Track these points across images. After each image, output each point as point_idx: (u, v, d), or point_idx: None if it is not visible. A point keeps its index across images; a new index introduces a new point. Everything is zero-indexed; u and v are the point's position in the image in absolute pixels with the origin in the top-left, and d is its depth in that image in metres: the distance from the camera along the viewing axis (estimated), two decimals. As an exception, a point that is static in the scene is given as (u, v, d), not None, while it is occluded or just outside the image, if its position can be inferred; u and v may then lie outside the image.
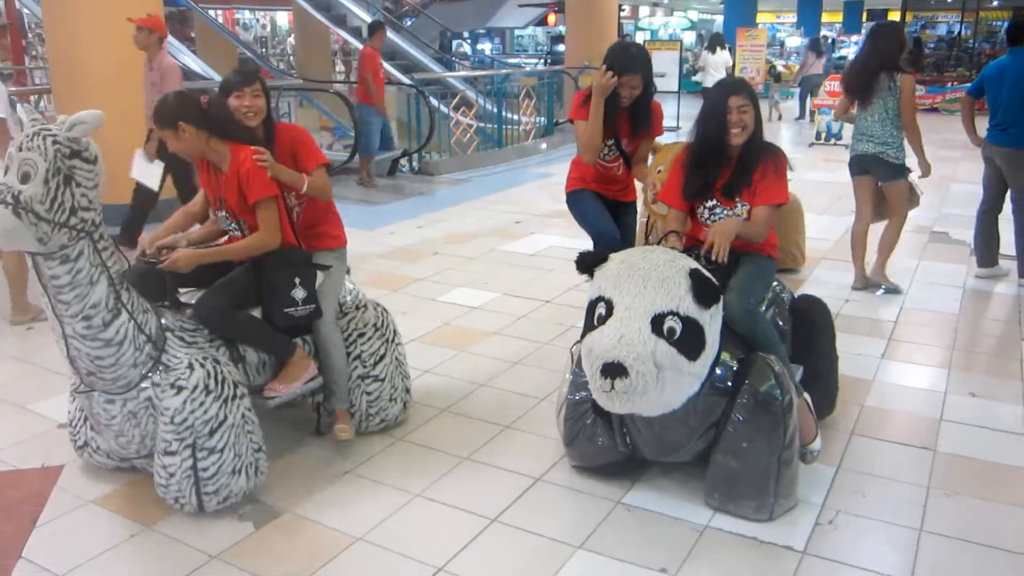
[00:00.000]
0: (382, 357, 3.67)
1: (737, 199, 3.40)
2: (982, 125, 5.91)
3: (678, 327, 2.72)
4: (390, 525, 3.08)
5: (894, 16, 28.42)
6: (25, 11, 21.77)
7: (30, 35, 24.41)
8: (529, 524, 3.08)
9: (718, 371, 2.99)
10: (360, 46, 14.99)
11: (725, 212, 3.43)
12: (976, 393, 4.17)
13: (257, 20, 32.21)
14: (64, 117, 2.76)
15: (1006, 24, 19.26)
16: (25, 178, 2.66)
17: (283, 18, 31.37)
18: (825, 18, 35.11)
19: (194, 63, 14.41)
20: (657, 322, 2.71)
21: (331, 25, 16.97)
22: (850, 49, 29.06)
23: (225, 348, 3.22)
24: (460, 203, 8.55)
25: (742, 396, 3.00)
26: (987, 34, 20.27)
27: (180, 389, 2.97)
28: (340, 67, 24.36)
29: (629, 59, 3.86)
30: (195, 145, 3.23)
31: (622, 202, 4.31)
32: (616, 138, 4.07)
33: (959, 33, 20.54)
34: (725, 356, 3.03)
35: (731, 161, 3.39)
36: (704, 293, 2.78)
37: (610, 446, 3.26)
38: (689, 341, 2.75)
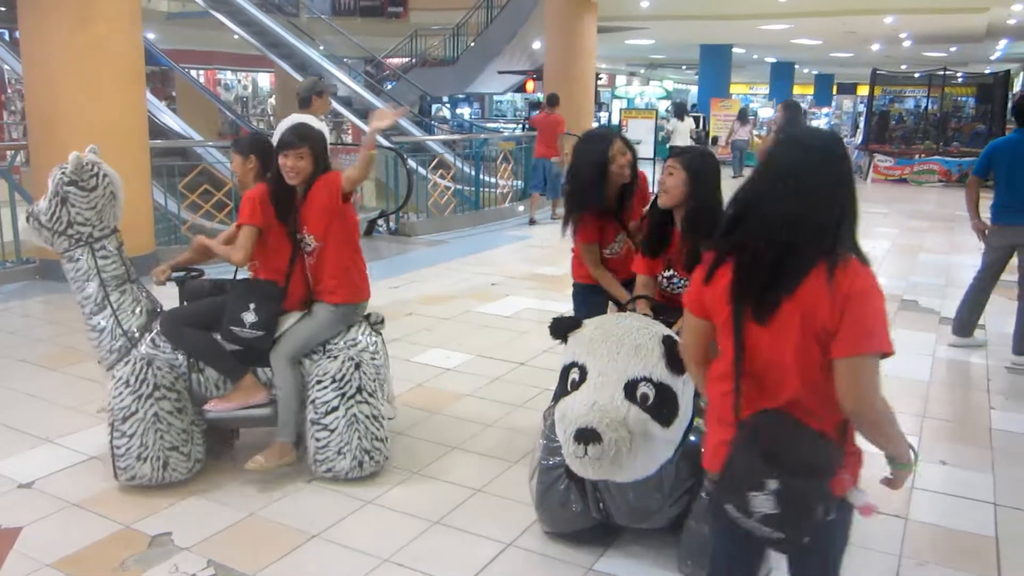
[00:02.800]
0: (334, 409, 3.73)
1: (685, 271, 3.41)
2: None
3: (651, 393, 2.72)
4: (357, 592, 3.01)
5: (863, 90, 29.24)
6: (5, 67, 21.85)
7: (9, 90, 24.49)
8: (499, 591, 3.03)
9: (692, 437, 2.98)
10: (339, 107, 15.45)
11: (683, 283, 3.43)
12: (947, 462, 4.19)
13: (239, 81, 32.53)
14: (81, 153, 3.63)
15: (973, 99, 19.89)
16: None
17: (264, 79, 31.72)
18: (797, 90, 36.07)
19: (173, 122, 14.48)
20: (630, 388, 2.71)
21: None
22: (821, 120, 29.79)
23: (184, 358, 3.74)
24: (436, 264, 8.57)
25: None
26: (952, 108, 20.87)
27: (114, 377, 3.67)
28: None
29: (625, 141, 3.76)
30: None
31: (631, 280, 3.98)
32: (624, 229, 3.87)
33: (926, 107, 21.13)
34: (698, 422, 3.03)
35: (680, 231, 3.40)
36: (677, 359, 2.77)
37: (583, 512, 3.23)
38: (662, 407, 2.74)
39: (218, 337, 3.71)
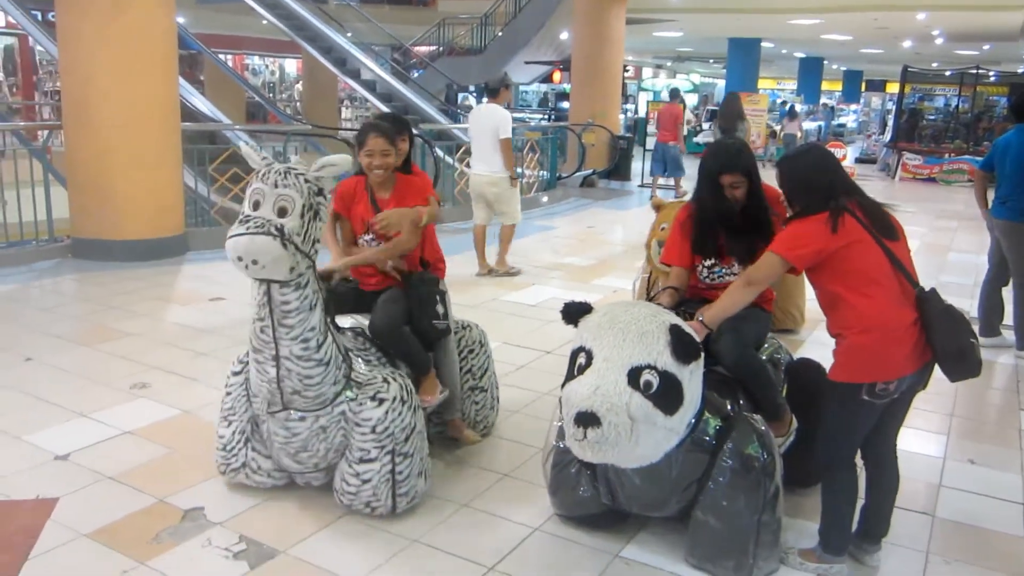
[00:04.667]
0: (486, 370, 4.15)
1: (735, 261, 3.45)
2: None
3: (655, 381, 2.73)
4: (385, 571, 3.05)
5: (892, 88, 28.95)
6: (38, 48, 22.10)
7: (41, 72, 24.75)
8: (526, 575, 3.05)
9: (701, 428, 3.00)
10: (366, 93, 15.54)
11: (724, 271, 3.48)
12: (975, 460, 4.17)
13: (266, 66, 32.70)
14: (297, 157, 3.07)
15: (1005, 99, 19.66)
16: (282, 212, 2.94)
17: (292, 65, 31.85)
18: (825, 86, 35.77)
19: (203, 104, 14.58)
20: (634, 375, 2.72)
21: (340, 74, 17.24)
22: (849, 117, 29.52)
23: (390, 364, 3.52)
24: (463, 252, 8.57)
25: (724, 454, 3.00)
26: (984, 108, 20.63)
27: (381, 401, 3.25)
28: (345, 114, 24.70)
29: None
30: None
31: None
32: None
33: (956, 106, 20.89)
34: (709, 413, 3.04)
35: (732, 223, 3.45)
36: (682, 349, 2.79)
37: (593, 497, 3.26)
38: (666, 395, 2.75)
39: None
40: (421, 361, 3.66)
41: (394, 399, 3.27)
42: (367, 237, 3.83)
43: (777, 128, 20.93)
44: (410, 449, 3.31)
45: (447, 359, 3.87)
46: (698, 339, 2.90)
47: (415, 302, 3.66)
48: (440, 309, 3.71)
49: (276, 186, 2.96)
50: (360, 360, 3.39)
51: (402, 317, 3.60)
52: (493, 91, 7.70)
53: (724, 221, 3.45)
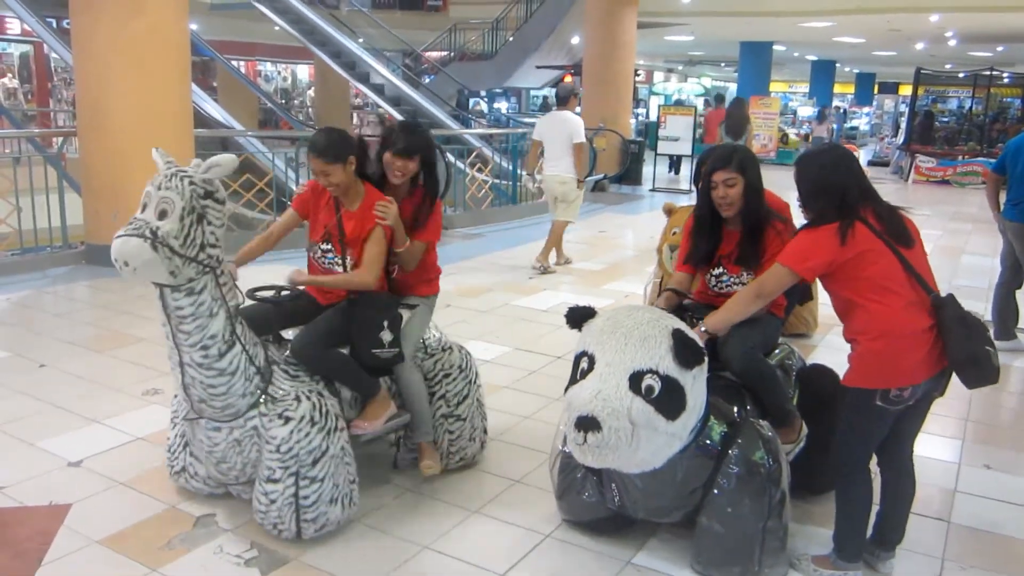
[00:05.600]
0: (465, 397, 3.83)
1: (743, 269, 3.42)
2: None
3: (657, 386, 2.71)
4: (397, 577, 3.05)
5: (905, 90, 28.81)
6: (53, 56, 22.27)
7: (55, 79, 24.96)
8: (538, 582, 3.05)
9: (706, 433, 2.98)
10: (378, 99, 15.60)
11: (732, 280, 3.45)
12: (991, 465, 4.14)
13: (279, 72, 32.85)
14: (197, 161, 3.00)
15: (1019, 101, 19.54)
16: (162, 215, 2.85)
17: (304, 71, 31.99)
18: (838, 88, 35.62)
19: (215, 111, 14.67)
20: (635, 379, 2.70)
21: (352, 80, 17.30)
22: (861, 120, 29.38)
23: (324, 383, 3.34)
24: (473, 257, 8.60)
25: (729, 461, 2.99)
26: (998, 110, 20.50)
27: (288, 419, 3.11)
28: (356, 120, 24.77)
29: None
30: (348, 180, 3.44)
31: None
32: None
33: (970, 108, 20.76)
34: (714, 419, 3.02)
35: (734, 230, 3.42)
36: (685, 353, 2.77)
37: (599, 502, 3.25)
38: (668, 400, 2.73)
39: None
40: (359, 384, 3.46)
41: (301, 419, 3.12)
42: (323, 247, 3.54)
43: (790, 132, 20.90)
44: (319, 473, 3.14)
45: (405, 383, 3.62)
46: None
47: (354, 328, 3.42)
48: (386, 336, 3.42)
49: (159, 188, 2.87)
50: (285, 375, 3.23)
51: (326, 338, 3.38)
52: (563, 100, 8.38)
53: (716, 225, 3.41)
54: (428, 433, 3.69)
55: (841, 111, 30.28)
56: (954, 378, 2.91)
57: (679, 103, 21.35)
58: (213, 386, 3.03)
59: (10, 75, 24.19)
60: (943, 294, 2.87)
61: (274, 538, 3.23)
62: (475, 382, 3.91)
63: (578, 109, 8.99)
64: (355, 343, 3.44)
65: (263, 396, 3.14)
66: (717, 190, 3.32)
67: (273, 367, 3.21)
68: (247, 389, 3.09)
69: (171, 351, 3.05)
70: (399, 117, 16.26)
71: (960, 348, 2.79)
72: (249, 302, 3.40)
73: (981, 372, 2.83)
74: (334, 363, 3.40)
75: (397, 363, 3.53)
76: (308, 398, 3.18)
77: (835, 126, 25.15)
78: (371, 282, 3.44)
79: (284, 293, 3.56)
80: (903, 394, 2.83)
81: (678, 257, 3.67)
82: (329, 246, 3.53)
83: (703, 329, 3.07)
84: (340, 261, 3.51)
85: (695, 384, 2.83)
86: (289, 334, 3.58)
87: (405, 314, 3.62)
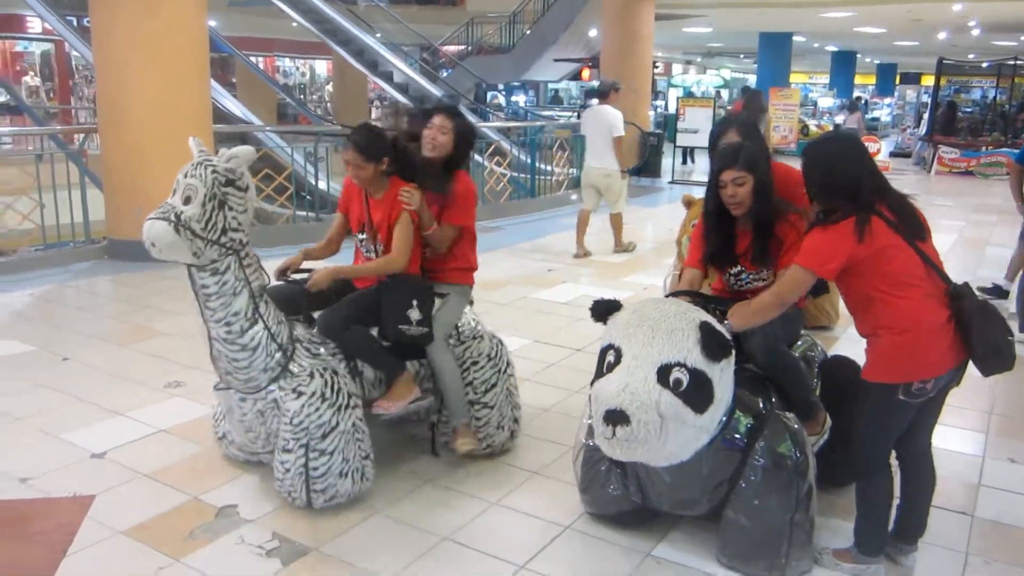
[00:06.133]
0: (493, 385, 3.87)
1: (761, 267, 3.36)
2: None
3: (685, 379, 2.70)
4: (415, 569, 3.06)
5: (928, 80, 28.50)
6: (73, 53, 22.45)
7: (76, 77, 25.18)
8: (558, 574, 3.04)
9: (732, 426, 2.96)
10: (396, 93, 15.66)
11: (751, 277, 3.40)
12: (1016, 459, 4.09)
13: (297, 68, 32.96)
14: (223, 151, 3.20)
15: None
16: (187, 201, 3.07)
17: (322, 66, 32.09)
18: (858, 79, 35.29)
19: (234, 106, 14.74)
20: (663, 372, 2.69)
21: (371, 75, 17.33)
22: (883, 111, 29.11)
23: (345, 361, 3.49)
24: (492, 250, 8.59)
25: (755, 454, 2.97)
26: (1022, 100, 20.23)
27: (300, 394, 3.29)
28: (375, 114, 24.80)
29: (728, 154, 3.32)
30: (376, 176, 3.63)
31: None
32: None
33: (994, 98, 20.51)
34: (740, 412, 3.00)
35: (747, 228, 3.35)
36: (712, 346, 2.75)
37: (623, 495, 3.24)
38: (696, 393, 2.72)
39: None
40: (380, 363, 3.58)
41: (313, 394, 3.29)
42: (361, 237, 3.75)
43: (811, 123, 20.72)
44: (328, 447, 3.30)
45: (436, 365, 3.71)
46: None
47: (383, 305, 3.55)
48: (414, 315, 3.54)
49: (186, 176, 3.10)
50: (307, 353, 3.38)
51: (351, 316, 3.51)
52: (603, 94, 8.81)
53: (726, 223, 3.35)
54: (462, 414, 3.76)
55: (863, 102, 30.03)
56: (972, 371, 2.89)
57: (690, 95, 21.27)
58: (236, 360, 3.24)
59: (32, 73, 24.44)
60: (960, 284, 2.84)
61: (295, 530, 3.25)
62: (505, 371, 3.95)
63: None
64: (383, 321, 3.56)
65: (284, 371, 3.31)
66: (726, 189, 3.24)
67: (296, 344, 3.38)
68: (268, 364, 3.27)
69: (200, 326, 3.27)
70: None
71: (983, 339, 2.77)
72: (278, 282, 3.59)
73: (1002, 362, 2.82)
74: (356, 340, 3.51)
75: (426, 342, 3.63)
76: (321, 375, 3.34)
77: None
78: (402, 265, 3.60)
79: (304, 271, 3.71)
80: (925, 387, 2.80)
81: (689, 252, 3.62)
82: (364, 235, 3.72)
83: (728, 327, 3.01)
84: (375, 250, 3.70)
85: (723, 377, 2.81)
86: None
87: (437, 301, 3.72)
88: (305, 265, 3.72)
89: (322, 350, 3.44)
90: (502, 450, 3.94)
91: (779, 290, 2.95)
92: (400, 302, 3.54)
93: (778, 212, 3.32)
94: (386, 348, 3.59)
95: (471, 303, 4.07)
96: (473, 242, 3.98)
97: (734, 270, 3.43)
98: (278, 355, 3.29)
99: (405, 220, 3.60)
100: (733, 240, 3.39)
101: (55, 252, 7.78)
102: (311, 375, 3.32)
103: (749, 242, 3.35)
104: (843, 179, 2.82)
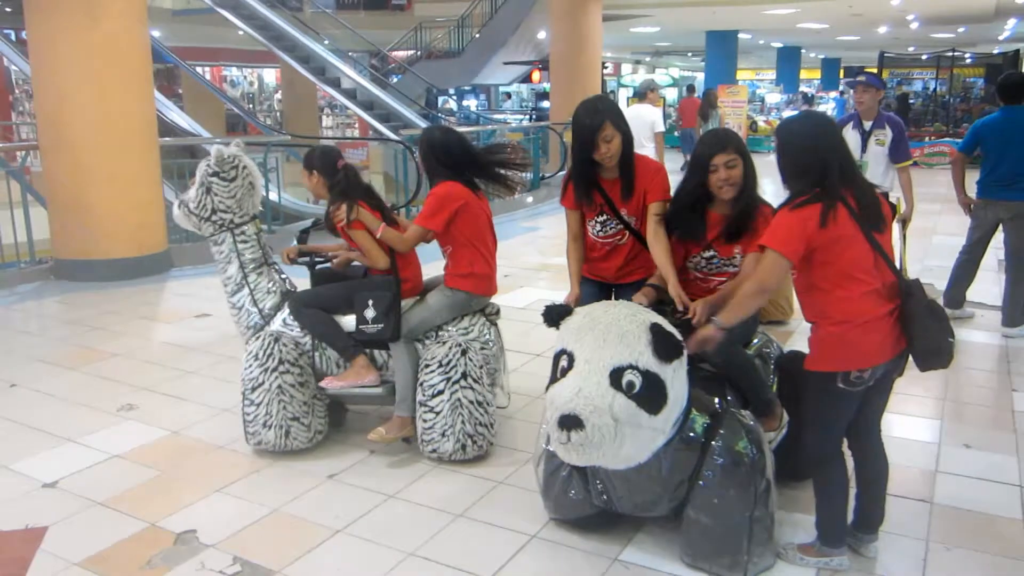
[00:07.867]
0: (439, 392, 3.87)
1: (735, 249, 3.38)
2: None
3: (637, 381, 2.71)
4: (383, 586, 3.01)
5: (871, 71, 29.07)
6: (13, 68, 21.90)
7: (17, 91, 24.57)
8: (526, 583, 3.02)
9: (688, 426, 2.97)
10: (346, 101, 15.51)
11: (722, 262, 3.43)
12: (971, 445, 4.17)
13: (244, 77, 32.53)
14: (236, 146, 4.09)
15: (981, 80, 19.77)
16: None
17: (271, 75, 31.71)
18: (803, 75, 35.86)
19: (181, 119, 14.49)
20: (616, 376, 2.69)
21: (319, 83, 17.17)
22: (829, 104, 29.58)
23: (308, 337, 4.03)
24: (448, 257, 8.54)
25: (712, 452, 2.98)
26: (961, 90, 20.76)
27: (247, 352, 3.98)
28: (326, 122, 24.60)
29: (595, 112, 3.53)
30: (317, 189, 4.13)
31: (624, 284, 3.83)
32: (612, 208, 3.70)
33: (935, 89, 20.99)
34: (696, 411, 3.01)
35: (722, 212, 3.38)
36: (664, 347, 2.76)
37: (585, 499, 3.23)
38: (649, 395, 2.73)
39: (340, 321, 4.01)
40: (332, 342, 4.01)
41: (249, 353, 3.95)
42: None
43: (759, 119, 20.99)
44: (256, 399, 3.90)
45: (395, 357, 3.97)
46: (716, 343, 2.92)
47: (354, 304, 3.91)
48: (369, 313, 3.86)
49: (195, 173, 4.04)
50: (282, 323, 4.06)
51: (315, 300, 4.05)
52: (641, 95, 10.01)
53: (699, 210, 3.39)
54: (404, 409, 3.96)
55: (809, 96, 30.48)
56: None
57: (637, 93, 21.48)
58: (231, 313, 4.16)
59: (-31, 89, 23.77)
60: (916, 275, 2.88)
61: (257, 553, 3.19)
62: (457, 382, 3.86)
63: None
64: (342, 302, 4.00)
65: (255, 333, 4.06)
66: (718, 172, 3.27)
67: (278, 313, 4.09)
68: (248, 323, 4.10)
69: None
70: (371, 120, 16.19)
71: (928, 339, 2.83)
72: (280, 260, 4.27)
73: (940, 360, 2.90)
74: (311, 319, 4.01)
75: (382, 339, 3.90)
76: (263, 339, 3.94)
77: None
78: (379, 263, 3.98)
79: (318, 260, 4.29)
80: (864, 375, 2.84)
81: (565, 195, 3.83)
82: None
83: (719, 324, 2.99)
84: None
85: (675, 377, 2.82)
86: None
87: (410, 301, 4.00)
88: (312, 247, 4.29)
89: (296, 325, 4.03)
90: (451, 460, 3.90)
91: (759, 278, 2.94)
92: (361, 301, 3.88)
93: (756, 201, 3.38)
94: (343, 332, 3.98)
95: (494, 313, 4.18)
96: (471, 247, 3.97)
97: (707, 254, 3.45)
98: (256, 318, 4.08)
99: (354, 232, 3.95)
100: (705, 225, 3.41)
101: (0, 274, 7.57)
102: (256, 337, 3.97)
103: (723, 227, 3.38)
104: (814, 163, 2.83)
